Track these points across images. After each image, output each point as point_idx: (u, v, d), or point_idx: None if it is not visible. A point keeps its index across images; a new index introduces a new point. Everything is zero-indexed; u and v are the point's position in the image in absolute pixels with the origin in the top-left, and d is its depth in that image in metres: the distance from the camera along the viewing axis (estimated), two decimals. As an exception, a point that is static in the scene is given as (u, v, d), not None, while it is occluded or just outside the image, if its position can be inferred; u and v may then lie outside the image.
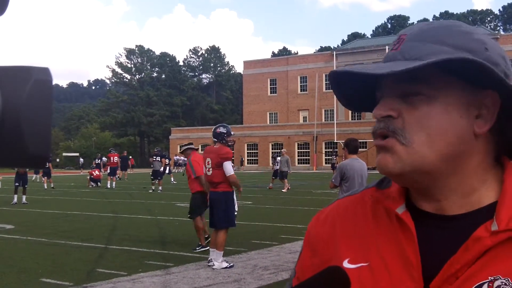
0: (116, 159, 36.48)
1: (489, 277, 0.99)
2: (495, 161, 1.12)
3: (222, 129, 10.29)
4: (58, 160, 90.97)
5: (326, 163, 70.97)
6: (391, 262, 1.09)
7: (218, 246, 9.97)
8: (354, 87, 1.16)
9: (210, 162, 10.10)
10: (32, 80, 0.69)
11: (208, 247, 10.89)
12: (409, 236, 1.08)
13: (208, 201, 10.66)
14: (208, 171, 10.14)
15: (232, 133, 10.37)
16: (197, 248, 11.85)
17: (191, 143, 13.30)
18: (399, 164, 1.06)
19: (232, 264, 10.04)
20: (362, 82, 1.12)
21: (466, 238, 1.03)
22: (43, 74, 0.70)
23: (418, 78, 1.04)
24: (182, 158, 72.57)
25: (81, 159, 79.81)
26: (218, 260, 9.94)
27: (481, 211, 1.07)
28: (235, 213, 10.30)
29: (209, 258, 10.15)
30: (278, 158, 32.92)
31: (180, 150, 12.93)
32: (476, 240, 1.01)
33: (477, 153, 1.08)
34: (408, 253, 1.07)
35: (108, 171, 36.07)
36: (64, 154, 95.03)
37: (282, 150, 34.49)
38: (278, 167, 32.19)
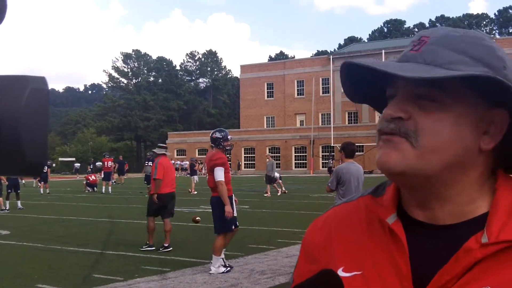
0: (110, 163, 36.40)
1: None
2: (491, 173, 1.12)
3: (218, 134, 10.28)
4: (54, 165, 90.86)
5: (323, 167, 70.96)
6: (383, 271, 1.09)
7: (215, 251, 9.93)
8: (363, 78, 1.14)
9: (206, 167, 10.06)
10: (28, 88, 0.68)
11: (153, 247, 12.29)
12: (400, 246, 1.08)
13: (155, 203, 12.33)
14: (206, 175, 10.12)
15: (229, 137, 10.32)
16: (143, 247, 12.47)
17: (166, 148, 13.67)
18: (403, 164, 1.05)
19: (229, 268, 9.98)
20: (374, 76, 1.10)
21: (457, 249, 1.03)
22: (40, 83, 0.70)
23: (436, 84, 1.03)
24: (178, 162, 72.66)
25: (76, 164, 79.70)
26: (215, 265, 9.89)
27: (473, 221, 1.07)
28: (234, 218, 10.13)
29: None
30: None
31: (155, 149, 13.21)
32: (467, 251, 1.02)
33: (478, 167, 1.09)
34: (399, 262, 1.07)
35: (102, 176, 35.99)
36: (60, 159, 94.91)
37: (267, 155, 34.32)
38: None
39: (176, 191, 13.20)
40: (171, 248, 12.35)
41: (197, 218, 13.83)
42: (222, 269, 9.90)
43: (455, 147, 1.05)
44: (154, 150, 13.70)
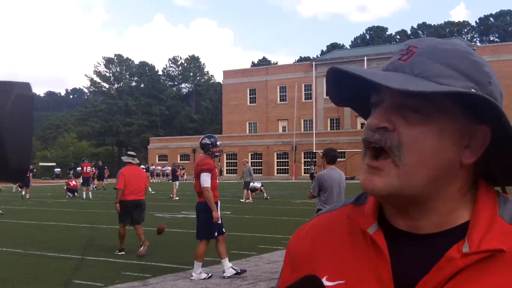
0: (89, 169, 36.22)
1: None
2: (472, 183, 1.14)
3: (206, 140, 10.28)
4: (34, 170, 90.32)
5: (305, 172, 71.09)
6: (366, 280, 1.10)
7: (196, 257, 9.88)
8: (349, 83, 1.14)
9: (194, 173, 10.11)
10: (13, 95, 0.67)
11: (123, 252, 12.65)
12: (381, 256, 1.09)
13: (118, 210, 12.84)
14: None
15: (218, 143, 10.33)
16: (116, 251, 12.91)
17: (134, 156, 13.71)
18: (387, 188, 1.06)
19: (210, 274, 9.95)
20: (361, 83, 1.09)
21: (439, 258, 1.04)
22: (24, 89, 0.69)
23: (424, 96, 1.04)
24: (159, 167, 72.43)
25: (57, 169, 79.24)
26: (196, 271, 9.87)
27: (454, 230, 1.09)
28: (219, 224, 10.06)
29: (223, 270, 10.10)
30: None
31: (123, 157, 13.52)
32: (448, 260, 1.03)
33: (459, 180, 1.10)
34: (382, 272, 1.08)
35: (81, 181, 35.80)
36: (41, 163, 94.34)
37: (243, 160, 34.22)
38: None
39: (147, 195, 13.26)
40: (147, 243, 12.67)
41: (162, 227, 13.82)
42: (204, 275, 9.86)
43: (437, 161, 1.06)
44: (122, 157, 13.91)
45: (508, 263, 1.02)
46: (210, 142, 10.21)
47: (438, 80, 1.04)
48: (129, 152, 14.11)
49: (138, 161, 13.93)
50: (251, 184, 30.79)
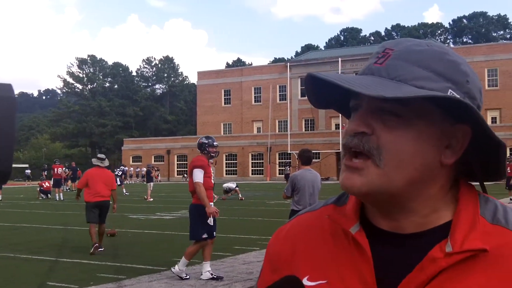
0: (60, 170, 35.94)
1: None
2: (453, 183, 1.15)
3: (203, 140, 10.30)
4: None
5: (280, 173, 71.20)
6: (348, 280, 1.10)
7: (185, 254, 9.86)
8: (328, 89, 1.14)
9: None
10: None
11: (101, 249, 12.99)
12: (364, 255, 1.09)
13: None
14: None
15: (215, 144, 10.28)
16: (92, 249, 13.03)
17: (103, 159, 14.11)
18: (367, 186, 1.07)
19: (188, 276, 9.93)
20: (339, 88, 1.08)
21: (422, 257, 1.05)
22: (6, 90, 0.67)
23: (400, 100, 1.03)
24: (131, 169, 72.11)
25: (27, 171, 78.60)
26: (180, 266, 9.83)
27: (436, 230, 1.09)
28: (210, 227, 9.91)
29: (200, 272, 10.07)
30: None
31: (93, 159, 13.96)
32: (431, 260, 1.03)
33: (440, 180, 1.11)
34: (364, 272, 1.08)
35: (52, 182, 35.51)
36: (13, 165, 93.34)
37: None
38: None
39: (122, 197, 13.38)
40: (103, 249, 13.09)
41: (113, 232, 14.46)
42: (184, 274, 9.83)
43: (417, 162, 1.06)
44: (92, 160, 14.34)
45: (490, 262, 1.02)
46: (206, 142, 10.18)
47: (414, 83, 1.04)
48: (98, 155, 14.49)
49: (107, 164, 14.21)
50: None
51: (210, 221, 9.82)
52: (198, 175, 9.69)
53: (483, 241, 1.03)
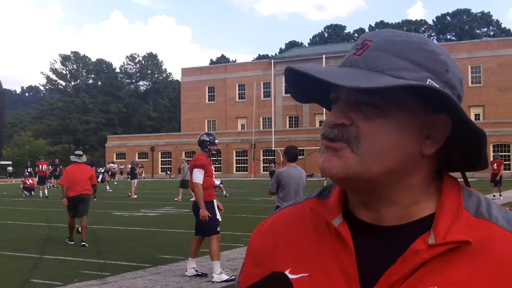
0: (45, 167, 35.78)
1: None
2: (436, 174, 1.14)
3: (205, 137, 10.05)
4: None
5: (264, 170, 71.32)
6: (331, 273, 1.09)
7: (214, 256, 9.67)
8: (308, 82, 1.13)
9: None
10: None
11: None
12: (346, 248, 1.09)
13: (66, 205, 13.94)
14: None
15: (216, 141, 10.07)
16: (66, 239, 14.05)
17: (80, 155, 14.73)
18: (344, 170, 1.06)
19: (234, 276, 9.55)
20: (318, 80, 1.07)
21: (404, 250, 1.04)
22: None
23: (377, 91, 1.03)
24: (114, 165, 71.82)
25: (9, 168, 78.16)
26: (216, 272, 9.60)
27: (419, 222, 1.08)
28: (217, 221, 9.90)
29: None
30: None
31: (71, 156, 14.46)
32: (414, 252, 1.03)
33: (420, 170, 1.10)
34: (346, 264, 1.07)
35: (37, 179, 35.36)
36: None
37: (181, 159, 34.18)
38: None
39: (105, 193, 13.50)
40: (84, 244, 13.45)
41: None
42: (225, 276, 9.56)
43: (396, 153, 1.06)
44: (71, 157, 14.82)
45: (473, 255, 1.02)
46: (208, 140, 9.96)
47: (392, 73, 1.04)
48: (76, 152, 15.11)
49: (85, 160, 14.91)
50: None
51: (219, 216, 9.90)
52: (198, 176, 9.57)
53: (466, 233, 1.03)
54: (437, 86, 1.04)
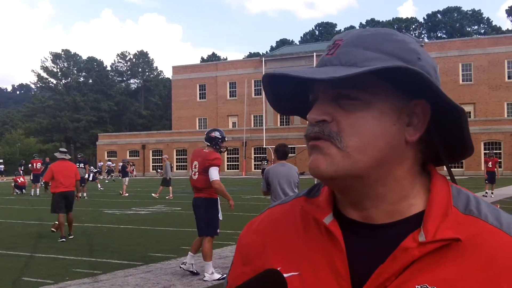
0: (39, 165, 35.70)
1: (417, 286, 1.02)
2: (421, 169, 1.15)
3: (217, 134, 9.92)
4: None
5: (255, 168, 71.35)
6: (321, 271, 1.09)
7: (206, 257, 9.61)
8: (286, 90, 1.16)
9: (197, 166, 9.62)
10: None
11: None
12: (337, 246, 1.09)
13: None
14: (194, 175, 9.60)
15: (226, 139, 10.07)
16: (59, 239, 14.12)
17: (65, 152, 15.63)
18: (332, 167, 1.07)
19: (224, 275, 9.69)
20: (296, 85, 1.13)
21: (394, 248, 1.05)
22: None
23: (354, 83, 1.05)
24: (113, 164, 71.70)
25: (0, 166, 77.87)
26: (208, 272, 9.59)
27: (409, 220, 1.09)
28: (219, 221, 9.88)
29: (184, 261, 9.91)
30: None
31: (56, 153, 15.75)
32: (404, 250, 1.04)
33: (406, 160, 1.11)
34: (337, 262, 1.08)
35: (31, 178, 35.26)
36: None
37: (163, 157, 34.22)
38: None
39: (96, 191, 13.61)
40: (72, 236, 14.54)
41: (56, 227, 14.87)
42: (217, 275, 9.56)
43: (380, 142, 1.07)
44: (55, 154, 15.57)
45: (463, 252, 1.04)
46: (220, 137, 9.88)
47: (365, 64, 1.05)
48: (60, 149, 15.92)
49: (69, 157, 15.67)
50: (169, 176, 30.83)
51: (221, 215, 9.94)
52: (216, 174, 9.56)
53: (455, 231, 1.04)
54: (419, 69, 1.03)
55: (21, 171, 43.12)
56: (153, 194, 30.35)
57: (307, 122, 1.13)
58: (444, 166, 1.21)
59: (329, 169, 1.07)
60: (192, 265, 9.87)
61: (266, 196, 9.86)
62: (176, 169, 76.77)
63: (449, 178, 1.19)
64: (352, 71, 1.02)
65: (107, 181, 57.49)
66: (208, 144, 9.87)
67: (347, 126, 1.07)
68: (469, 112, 71.67)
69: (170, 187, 30.26)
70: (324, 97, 1.10)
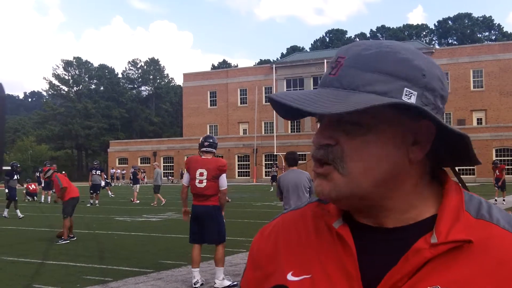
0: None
1: (428, 287, 1.03)
2: (431, 178, 1.16)
3: (215, 140, 9.98)
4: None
5: (266, 175, 71.31)
6: (333, 274, 1.10)
7: (219, 263, 9.52)
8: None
9: (205, 174, 9.45)
10: None
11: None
12: (347, 249, 1.10)
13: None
14: (200, 183, 9.45)
15: None
16: (59, 241, 15.13)
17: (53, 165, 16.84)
18: (336, 191, 1.09)
19: (235, 282, 9.63)
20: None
21: (406, 250, 1.06)
22: None
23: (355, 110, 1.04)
24: (118, 171, 71.85)
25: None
26: (219, 278, 9.52)
27: (421, 223, 1.10)
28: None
29: (194, 280, 9.55)
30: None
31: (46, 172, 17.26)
32: (416, 251, 1.04)
33: (412, 177, 1.12)
34: (348, 265, 1.09)
35: (43, 185, 35.29)
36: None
37: (154, 164, 34.38)
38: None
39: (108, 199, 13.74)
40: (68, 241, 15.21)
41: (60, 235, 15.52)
42: (227, 282, 9.51)
43: (383, 165, 1.08)
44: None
45: (474, 254, 1.04)
46: (217, 143, 9.99)
47: (367, 88, 1.05)
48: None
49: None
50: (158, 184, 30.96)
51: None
52: (226, 181, 9.62)
53: (467, 233, 1.05)
54: (409, 98, 1.06)
55: (37, 177, 43.16)
56: (152, 204, 30.40)
57: (313, 141, 1.14)
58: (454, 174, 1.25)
59: (333, 193, 1.10)
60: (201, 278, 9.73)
61: (282, 201, 10.01)
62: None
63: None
64: (350, 100, 1.03)
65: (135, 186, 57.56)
66: (211, 150, 9.82)
67: (351, 151, 1.08)
68: (480, 119, 71.47)
69: (158, 195, 30.58)
70: (328, 120, 1.12)
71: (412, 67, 1.08)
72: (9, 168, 26.69)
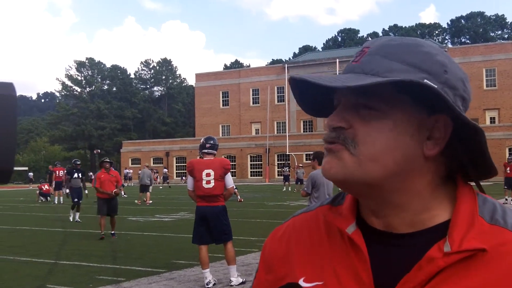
0: (61, 173, 35.80)
1: None
2: (446, 180, 1.13)
3: (217, 141, 10.02)
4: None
5: (278, 175, 71.20)
6: (345, 280, 1.09)
7: (232, 261, 9.63)
8: (312, 92, 1.16)
9: (212, 174, 9.50)
10: None
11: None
12: (360, 255, 1.09)
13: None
14: (208, 183, 9.47)
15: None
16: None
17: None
18: (343, 171, 1.07)
19: (244, 280, 9.75)
20: (319, 89, 1.12)
21: (419, 257, 1.04)
22: (8, 89, 0.68)
23: (373, 93, 1.05)
24: (130, 171, 72.02)
25: (30, 174, 78.42)
26: (234, 275, 9.61)
27: (433, 229, 1.08)
28: None
29: (206, 281, 9.55)
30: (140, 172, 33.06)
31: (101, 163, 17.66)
32: (430, 260, 1.03)
33: (426, 173, 1.09)
34: (360, 272, 1.08)
35: (54, 185, 35.39)
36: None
37: (144, 165, 34.91)
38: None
39: (120, 199, 14.06)
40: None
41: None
42: (240, 279, 9.66)
43: (394, 154, 1.06)
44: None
45: (488, 262, 1.02)
46: (217, 144, 10.06)
47: (387, 75, 1.04)
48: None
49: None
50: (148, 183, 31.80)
51: None
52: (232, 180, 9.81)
53: (481, 240, 1.03)
54: (430, 83, 1.03)
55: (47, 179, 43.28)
56: (146, 202, 31.47)
57: (325, 126, 1.13)
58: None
59: (340, 173, 1.07)
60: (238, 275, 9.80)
61: (306, 197, 10.56)
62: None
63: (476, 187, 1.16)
64: (369, 80, 1.02)
65: (161, 187, 57.97)
66: (211, 152, 9.82)
67: (363, 135, 1.06)
68: (494, 118, 71.04)
69: (143, 193, 31.95)
70: (344, 103, 1.10)
71: (434, 61, 1.08)
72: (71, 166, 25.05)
